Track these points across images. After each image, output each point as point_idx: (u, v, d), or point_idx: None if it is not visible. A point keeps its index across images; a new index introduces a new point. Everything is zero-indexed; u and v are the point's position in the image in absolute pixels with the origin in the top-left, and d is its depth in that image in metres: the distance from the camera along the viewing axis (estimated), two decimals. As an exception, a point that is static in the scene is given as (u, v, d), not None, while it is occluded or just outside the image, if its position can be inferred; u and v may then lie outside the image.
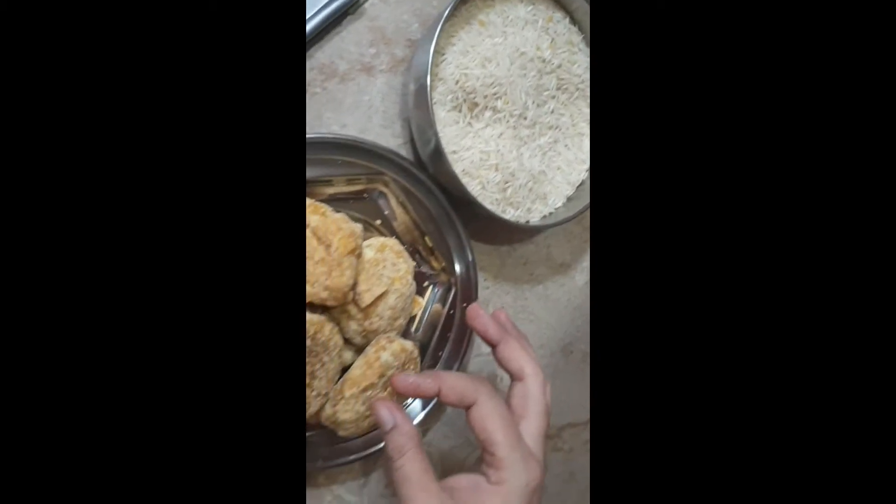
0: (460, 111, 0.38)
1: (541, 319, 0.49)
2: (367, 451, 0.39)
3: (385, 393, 0.35)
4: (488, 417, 0.30)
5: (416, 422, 0.39)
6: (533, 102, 0.40)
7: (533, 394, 0.32)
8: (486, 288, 0.46)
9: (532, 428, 0.31)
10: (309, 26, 0.36)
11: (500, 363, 0.34)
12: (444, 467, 0.45)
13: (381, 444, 0.39)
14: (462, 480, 0.31)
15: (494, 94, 0.38)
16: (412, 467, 0.29)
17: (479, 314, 0.34)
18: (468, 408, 0.31)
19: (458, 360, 0.42)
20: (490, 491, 0.29)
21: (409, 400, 0.40)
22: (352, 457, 0.39)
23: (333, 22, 0.37)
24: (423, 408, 0.40)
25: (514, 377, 0.33)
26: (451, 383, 0.31)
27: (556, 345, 0.50)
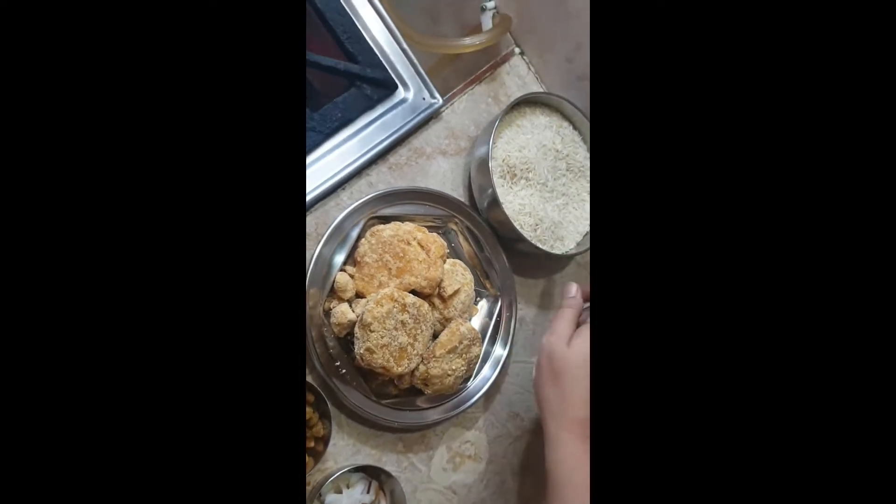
0: (505, 178, 0.58)
1: (560, 340, 0.64)
2: (434, 419, 0.52)
3: (462, 359, 0.50)
4: None
5: (489, 383, 0.54)
6: (552, 177, 0.59)
7: None
8: (521, 309, 0.61)
9: None
10: (410, 125, 0.56)
11: None
12: (491, 452, 0.57)
13: (444, 417, 0.53)
14: None
15: (527, 168, 0.58)
16: (567, 315, 0.47)
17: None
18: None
19: (500, 359, 0.56)
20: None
21: (473, 379, 0.54)
22: (427, 421, 0.52)
23: (424, 124, 0.58)
24: (492, 371, 0.55)
25: None
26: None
27: (572, 362, 0.64)
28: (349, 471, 0.48)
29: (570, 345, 0.44)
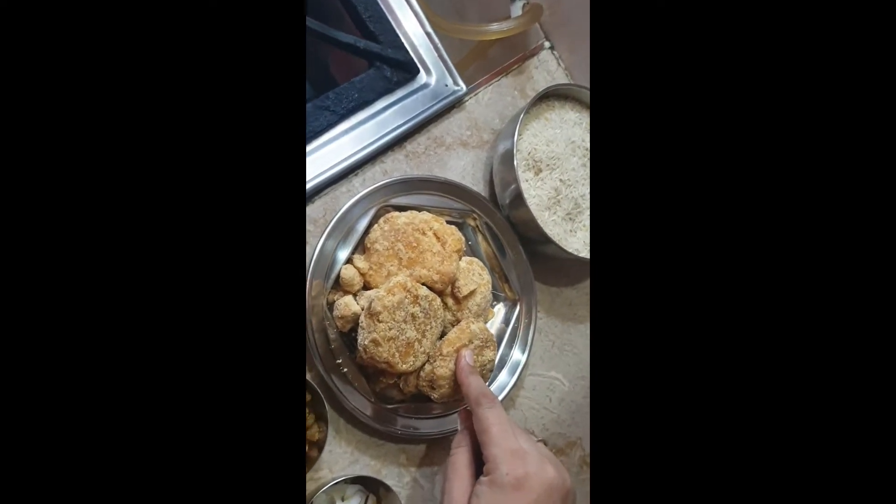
0: (529, 171, 0.54)
1: (581, 353, 0.59)
2: (441, 431, 0.47)
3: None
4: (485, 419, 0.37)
5: (506, 391, 0.50)
6: (581, 185, 0.55)
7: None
8: (540, 318, 0.56)
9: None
10: (430, 112, 0.53)
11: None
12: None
13: (453, 429, 0.48)
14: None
15: (552, 163, 0.54)
16: (459, 458, 0.38)
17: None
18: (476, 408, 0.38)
19: (519, 365, 0.52)
20: (484, 482, 0.35)
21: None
22: (434, 432, 0.47)
23: (445, 112, 0.55)
24: (510, 377, 0.51)
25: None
26: (477, 381, 0.41)
27: (594, 378, 0.59)
28: (345, 481, 0.43)
29: None
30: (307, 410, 0.42)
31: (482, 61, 0.70)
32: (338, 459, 0.45)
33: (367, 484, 0.44)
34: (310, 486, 0.44)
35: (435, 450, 0.49)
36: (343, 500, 0.43)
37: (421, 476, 0.48)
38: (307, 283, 0.44)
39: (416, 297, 0.42)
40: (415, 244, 0.45)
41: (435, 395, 0.45)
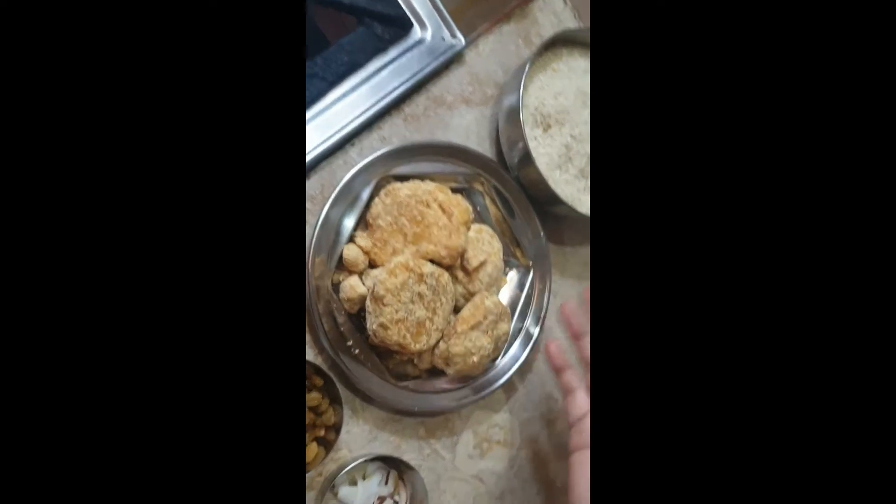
0: (537, 128, 0.50)
1: (599, 313, 0.57)
2: (458, 402, 0.46)
3: (488, 337, 0.44)
4: None
5: (518, 362, 0.48)
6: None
7: None
8: (555, 281, 0.54)
9: None
10: (428, 70, 0.49)
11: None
12: (522, 436, 0.51)
13: (470, 400, 0.47)
14: None
15: (561, 118, 0.50)
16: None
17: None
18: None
19: (533, 337, 0.50)
20: None
21: (502, 358, 0.48)
22: (451, 404, 0.46)
23: (444, 68, 0.51)
24: (523, 350, 0.49)
25: None
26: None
27: (613, 338, 0.58)
28: (365, 461, 0.43)
29: None
30: (320, 395, 0.42)
31: (481, 5, 0.65)
32: (356, 439, 0.45)
33: (387, 461, 0.44)
34: (330, 467, 0.44)
35: (453, 420, 0.49)
36: (364, 478, 0.43)
37: (441, 447, 0.48)
38: (308, 261, 0.42)
39: (421, 275, 0.40)
40: (419, 218, 0.43)
41: (451, 371, 0.44)
